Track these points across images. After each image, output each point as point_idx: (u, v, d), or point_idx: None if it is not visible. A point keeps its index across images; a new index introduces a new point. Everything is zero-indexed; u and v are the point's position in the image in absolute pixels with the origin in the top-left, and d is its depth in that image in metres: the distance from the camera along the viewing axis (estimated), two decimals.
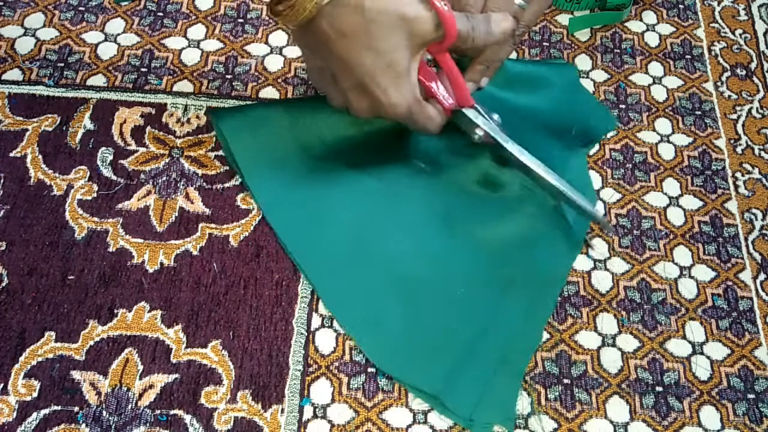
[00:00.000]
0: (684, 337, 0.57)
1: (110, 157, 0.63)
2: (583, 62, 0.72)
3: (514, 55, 0.71)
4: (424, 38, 0.54)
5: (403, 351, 0.55)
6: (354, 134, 0.64)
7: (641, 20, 0.75)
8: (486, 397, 0.54)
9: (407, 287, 0.58)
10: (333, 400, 0.54)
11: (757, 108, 0.70)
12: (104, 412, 0.52)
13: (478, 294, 0.58)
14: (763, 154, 0.67)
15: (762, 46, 0.74)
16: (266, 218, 0.60)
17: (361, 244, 0.59)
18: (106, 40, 0.70)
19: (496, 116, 0.60)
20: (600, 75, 0.71)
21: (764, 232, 0.63)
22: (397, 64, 0.54)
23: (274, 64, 0.70)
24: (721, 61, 0.73)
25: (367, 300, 0.57)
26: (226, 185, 0.62)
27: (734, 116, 0.69)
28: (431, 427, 0.53)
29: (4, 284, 0.57)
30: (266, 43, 0.71)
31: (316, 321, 0.57)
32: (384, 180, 0.62)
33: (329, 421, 0.53)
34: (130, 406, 0.53)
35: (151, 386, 0.53)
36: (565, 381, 0.55)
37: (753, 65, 0.73)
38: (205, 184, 0.62)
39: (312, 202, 0.61)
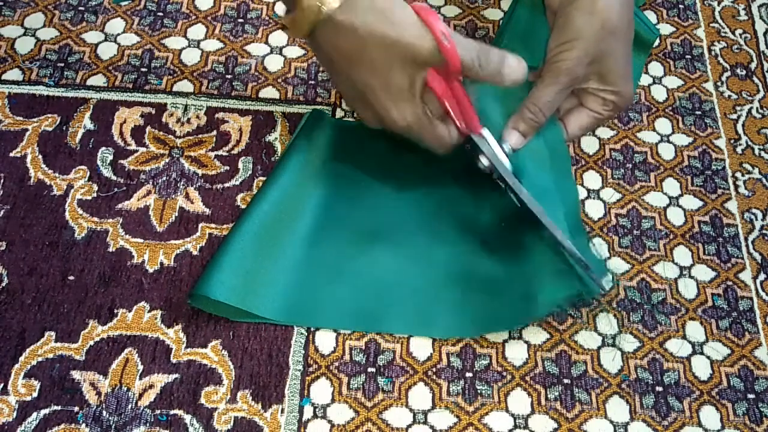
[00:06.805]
0: (684, 337, 0.58)
1: (110, 157, 0.63)
2: None
3: None
4: (423, 62, 0.53)
5: (497, 303, 0.57)
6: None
7: None
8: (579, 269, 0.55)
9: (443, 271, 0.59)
10: (333, 400, 0.54)
11: (757, 108, 0.70)
12: (104, 412, 0.52)
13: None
14: (763, 154, 0.67)
15: (762, 46, 0.74)
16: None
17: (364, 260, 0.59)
18: (106, 40, 0.70)
19: (507, 146, 0.58)
20: None
21: (764, 232, 0.63)
22: (394, 84, 0.53)
23: (274, 64, 0.70)
24: (721, 61, 0.73)
25: (424, 295, 0.58)
26: (226, 185, 0.62)
27: (734, 116, 0.69)
28: (431, 427, 0.53)
29: (4, 284, 0.57)
30: (266, 43, 0.71)
31: None
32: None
33: (329, 421, 0.53)
34: (130, 406, 0.53)
35: (151, 386, 0.53)
36: (565, 381, 0.55)
37: (753, 65, 0.73)
38: (205, 184, 0.62)
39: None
